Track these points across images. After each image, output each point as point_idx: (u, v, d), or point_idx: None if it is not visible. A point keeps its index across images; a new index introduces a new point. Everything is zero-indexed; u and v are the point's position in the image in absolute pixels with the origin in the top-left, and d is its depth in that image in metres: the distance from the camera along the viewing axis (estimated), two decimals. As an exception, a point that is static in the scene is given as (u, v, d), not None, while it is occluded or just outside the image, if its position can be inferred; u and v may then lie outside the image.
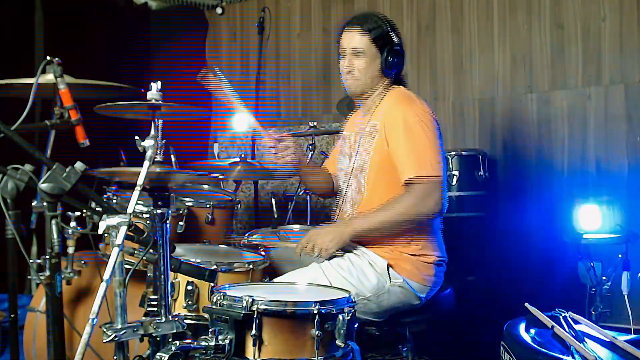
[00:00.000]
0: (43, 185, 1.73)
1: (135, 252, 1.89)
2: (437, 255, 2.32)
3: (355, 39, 2.31)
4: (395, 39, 2.32)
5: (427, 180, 2.15)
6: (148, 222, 1.89)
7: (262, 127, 2.46)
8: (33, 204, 2.06)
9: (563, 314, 2.13)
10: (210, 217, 2.68)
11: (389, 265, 2.24)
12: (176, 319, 1.84)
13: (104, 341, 1.67)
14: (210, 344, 1.68)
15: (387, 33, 2.31)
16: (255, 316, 1.67)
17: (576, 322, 2.10)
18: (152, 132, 1.87)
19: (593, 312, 3.15)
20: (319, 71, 4.78)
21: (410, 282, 2.25)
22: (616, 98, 3.65)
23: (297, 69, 4.90)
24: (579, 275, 3.50)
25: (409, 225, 2.19)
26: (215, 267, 2.11)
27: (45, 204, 1.81)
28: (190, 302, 2.11)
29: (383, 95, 2.36)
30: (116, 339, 1.68)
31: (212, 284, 2.07)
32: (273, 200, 3.24)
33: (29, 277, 2.04)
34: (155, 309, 1.94)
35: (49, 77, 2.14)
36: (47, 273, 1.90)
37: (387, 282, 2.23)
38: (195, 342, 1.70)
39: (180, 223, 2.53)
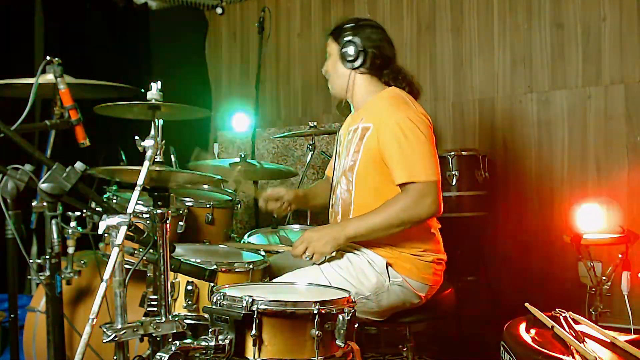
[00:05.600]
0: (43, 185, 1.73)
1: (135, 252, 1.89)
2: (437, 254, 2.32)
3: (327, 47, 2.46)
4: (350, 31, 2.35)
5: (422, 182, 2.15)
6: (148, 222, 1.89)
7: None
8: (33, 204, 2.05)
9: (563, 314, 2.13)
10: (210, 217, 2.68)
11: (388, 264, 2.24)
12: (176, 319, 1.84)
13: (104, 341, 1.67)
14: (210, 344, 1.67)
15: (345, 29, 2.38)
16: (255, 316, 1.67)
17: (576, 322, 2.10)
18: (152, 132, 1.87)
19: (593, 312, 3.15)
20: (319, 71, 4.75)
21: (410, 281, 2.25)
22: (616, 98, 3.65)
23: (297, 69, 4.90)
24: (579, 275, 3.51)
25: (404, 227, 2.17)
26: (215, 267, 2.11)
27: (45, 204, 1.81)
28: (190, 302, 2.11)
29: (366, 89, 2.38)
30: (116, 339, 1.68)
31: (212, 284, 2.07)
32: (273, 200, 3.23)
33: (29, 277, 2.04)
34: (155, 309, 1.94)
35: (49, 77, 2.14)
36: (47, 273, 1.90)
37: (387, 281, 2.23)
38: (195, 342, 1.70)
39: (180, 223, 2.53)
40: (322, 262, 2.25)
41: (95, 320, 1.57)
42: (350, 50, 2.35)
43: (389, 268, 2.24)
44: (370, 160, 2.27)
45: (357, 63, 2.36)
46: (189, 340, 1.72)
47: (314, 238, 2.20)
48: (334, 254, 2.25)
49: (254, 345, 1.67)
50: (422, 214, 2.16)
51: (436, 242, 2.35)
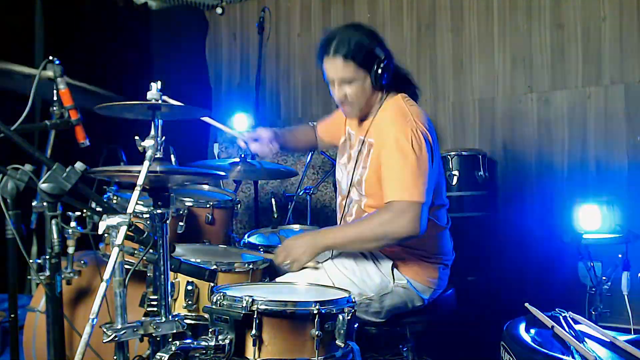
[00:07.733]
0: (43, 185, 1.73)
1: (135, 252, 1.89)
2: (444, 258, 2.32)
3: (339, 69, 2.22)
4: (378, 51, 2.22)
5: (404, 200, 2.10)
6: (148, 222, 1.88)
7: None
8: (33, 204, 2.06)
9: (563, 314, 2.14)
10: (210, 217, 2.68)
11: (393, 266, 2.23)
12: (176, 319, 1.84)
13: (104, 341, 1.67)
14: (210, 344, 1.68)
15: (369, 50, 2.21)
16: (255, 316, 1.67)
17: (576, 322, 2.10)
18: (152, 132, 1.87)
19: (593, 312, 3.15)
20: (319, 71, 4.76)
21: (414, 283, 2.24)
22: (616, 98, 3.65)
23: (297, 69, 4.90)
24: (579, 275, 3.51)
25: (380, 242, 2.14)
26: (215, 267, 2.11)
27: (45, 204, 1.80)
28: (190, 302, 2.11)
29: (380, 104, 2.31)
30: (116, 339, 1.68)
31: (212, 284, 2.07)
32: (273, 200, 3.23)
33: (29, 277, 2.04)
34: (155, 309, 1.94)
35: (49, 74, 2.14)
36: (47, 273, 1.90)
37: (391, 283, 2.22)
38: (195, 342, 1.70)
39: (180, 223, 2.53)
40: (302, 269, 2.23)
41: (95, 320, 1.57)
42: (381, 72, 2.21)
43: (395, 270, 2.23)
44: (377, 175, 2.24)
45: (386, 81, 2.26)
46: (189, 340, 1.72)
47: (294, 246, 2.21)
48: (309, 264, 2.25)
49: (254, 345, 1.67)
50: (397, 231, 2.09)
51: (445, 245, 2.34)
